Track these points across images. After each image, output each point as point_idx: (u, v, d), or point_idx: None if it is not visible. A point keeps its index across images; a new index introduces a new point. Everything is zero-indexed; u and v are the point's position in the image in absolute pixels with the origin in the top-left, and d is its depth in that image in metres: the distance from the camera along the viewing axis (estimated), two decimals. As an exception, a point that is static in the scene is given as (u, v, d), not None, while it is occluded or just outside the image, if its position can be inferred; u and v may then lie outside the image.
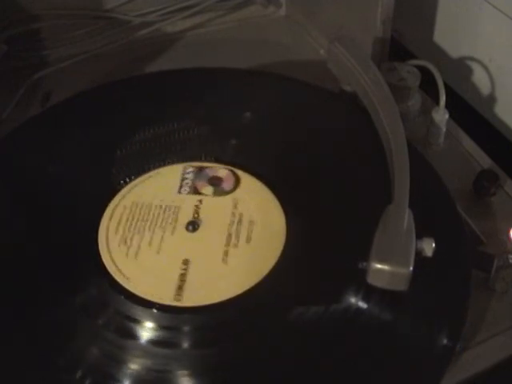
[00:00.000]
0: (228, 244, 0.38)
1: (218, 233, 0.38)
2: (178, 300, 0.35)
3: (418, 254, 0.34)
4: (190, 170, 0.41)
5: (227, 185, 0.41)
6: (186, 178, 0.41)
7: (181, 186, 0.41)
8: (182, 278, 0.36)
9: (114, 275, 0.36)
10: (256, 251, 0.37)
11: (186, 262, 0.37)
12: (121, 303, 0.35)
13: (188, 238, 0.38)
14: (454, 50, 0.56)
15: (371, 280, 0.33)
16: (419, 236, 0.34)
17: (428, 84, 0.48)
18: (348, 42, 0.47)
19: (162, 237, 0.38)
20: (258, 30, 0.61)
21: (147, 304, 0.35)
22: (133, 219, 0.39)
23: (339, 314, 0.34)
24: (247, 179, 0.41)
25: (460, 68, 0.55)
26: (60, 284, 0.36)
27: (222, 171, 0.41)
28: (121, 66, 0.56)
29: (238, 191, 0.41)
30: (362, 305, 0.35)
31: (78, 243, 0.38)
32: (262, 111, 0.46)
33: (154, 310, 0.34)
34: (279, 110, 0.46)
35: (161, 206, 0.40)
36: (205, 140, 0.44)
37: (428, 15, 0.58)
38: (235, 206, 0.40)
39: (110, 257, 0.37)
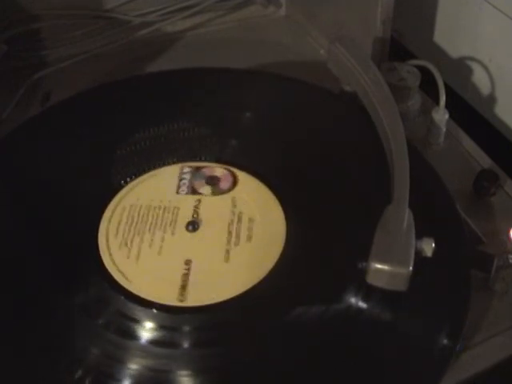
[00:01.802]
0: (229, 243, 0.38)
1: (219, 232, 0.38)
2: (182, 301, 0.35)
3: (418, 254, 0.34)
4: (187, 170, 0.41)
5: (225, 184, 0.41)
6: (184, 179, 0.41)
7: (179, 187, 0.41)
8: (185, 278, 0.36)
9: (114, 276, 0.36)
10: (257, 249, 0.37)
11: (187, 263, 0.37)
12: (121, 303, 0.35)
13: (189, 238, 0.38)
14: (454, 50, 0.56)
15: (371, 280, 0.33)
16: (419, 236, 0.34)
17: (428, 84, 0.48)
18: (348, 42, 0.47)
19: (163, 238, 0.38)
20: (257, 30, 0.61)
21: (147, 304, 0.35)
22: (132, 221, 0.39)
23: (339, 314, 0.34)
24: (245, 178, 0.41)
25: (460, 68, 0.55)
26: (60, 284, 0.36)
27: (219, 170, 0.41)
28: (121, 66, 0.56)
29: (237, 190, 0.41)
30: (362, 305, 0.35)
31: (78, 243, 0.38)
32: (262, 111, 0.46)
33: (154, 310, 0.34)
34: (279, 109, 0.46)
35: (160, 207, 0.39)
36: (204, 140, 0.44)
37: (428, 15, 0.58)
38: (234, 205, 0.40)
39: (111, 258, 0.37)
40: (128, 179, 0.41)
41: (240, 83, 0.49)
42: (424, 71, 0.48)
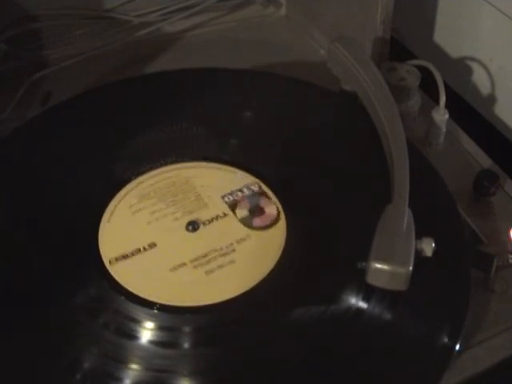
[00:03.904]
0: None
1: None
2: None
3: (418, 253, 0.34)
4: (255, 188, 0.41)
5: (260, 222, 0.39)
6: (243, 192, 0.40)
7: (229, 193, 0.40)
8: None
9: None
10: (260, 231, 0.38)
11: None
12: (121, 303, 0.35)
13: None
14: (454, 50, 0.56)
15: (371, 280, 0.33)
16: (419, 236, 0.34)
17: (428, 84, 0.48)
18: (348, 42, 0.47)
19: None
20: (257, 30, 0.61)
21: (147, 304, 0.35)
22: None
23: (339, 314, 0.34)
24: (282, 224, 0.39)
25: (460, 68, 0.55)
26: (60, 284, 0.36)
27: (271, 207, 0.40)
28: (121, 65, 0.56)
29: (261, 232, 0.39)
30: (362, 305, 0.35)
31: (78, 243, 0.38)
32: (262, 111, 0.46)
33: (155, 310, 0.34)
34: (279, 109, 0.46)
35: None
36: (204, 140, 0.44)
37: (428, 15, 0.58)
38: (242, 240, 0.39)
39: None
40: (131, 177, 0.41)
41: (240, 83, 0.49)
42: (424, 71, 0.48)
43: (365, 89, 0.44)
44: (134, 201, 0.40)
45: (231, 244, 0.38)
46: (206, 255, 0.37)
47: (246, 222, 0.39)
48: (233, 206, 0.40)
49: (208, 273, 0.36)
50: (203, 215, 0.39)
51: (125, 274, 0.36)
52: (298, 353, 0.33)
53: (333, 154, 0.43)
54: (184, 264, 0.37)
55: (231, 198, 0.40)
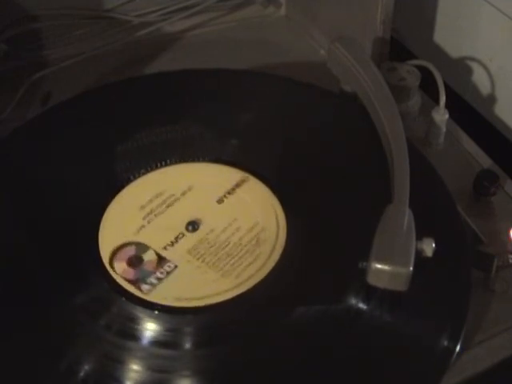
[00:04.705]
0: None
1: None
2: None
3: (418, 254, 0.34)
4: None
5: None
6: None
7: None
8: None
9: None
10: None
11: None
12: (122, 304, 0.35)
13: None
14: (454, 50, 0.56)
15: (371, 280, 0.33)
16: (419, 236, 0.34)
17: (428, 84, 0.48)
18: (348, 42, 0.47)
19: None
20: (257, 30, 0.61)
21: (148, 305, 0.35)
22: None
23: (339, 315, 0.34)
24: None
25: (460, 68, 0.55)
26: (61, 285, 0.36)
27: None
28: (121, 66, 0.56)
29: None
30: (362, 305, 0.35)
31: (79, 243, 0.38)
32: (262, 111, 0.46)
33: (156, 312, 0.34)
34: (279, 110, 0.46)
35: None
36: (204, 140, 0.44)
37: (428, 15, 0.58)
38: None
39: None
40: (131, 177, 0.41)
41: (240, 83, 0.49)
42: (424, 71, 0.48)
43: (365, 89, 0.44)
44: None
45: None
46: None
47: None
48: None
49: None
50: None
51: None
52: (298, 353, 0.33)
53: (333, 154, 0.43)
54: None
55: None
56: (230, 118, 0.46)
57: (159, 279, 0.36)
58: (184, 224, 0.39)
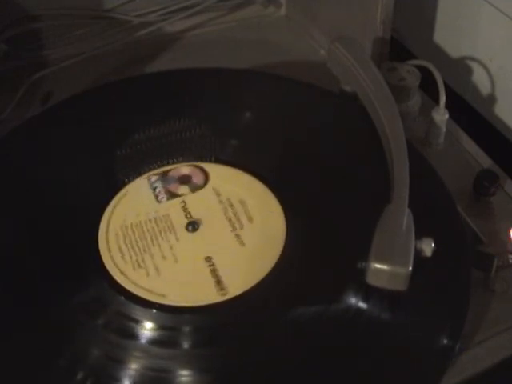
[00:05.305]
0: (234, 228, 0.38)
1: (220, 222, 0.39)
2: (225, 294, 0.35)
3: (418, 254, 0.34)
4: (155, 178, 0.41)
5: (198, 179, 0.41)
6: (157, 187, 0.41)
7: (156, 196, 0.40)
8: (215, 273, 0.36)
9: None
10: (261, 227, 0.38)
11: (208, 259, 0.37)
12: (121, 304, 0.35)
13: (195, 238, 0.38)
14: (454, 50, 0.56)
15: (370, 280, 0.33)
16: (419, 236, 0.34)
17: (428, 84, 0.48)
18: (348, 42, 0.47)
19: (171, 246, 0.38)
20: (257, 30, 0.61)
21: (147, 304, 0.35)
22: (131, 241, 0.38)
23: (339, 314, 0.34)
24: (214, 168, 0.42)
25: (460, 68, 0.55)
26: (60, 284, 0.36)
27: (185, 169, 0.42)
28: (121, 66, 0.56)
29: (213, 181, 0.41)
30: (362, 305, 0.35)
31: (79, 243, 0.38)
32: (262, 111, 0.46)
33: (154, 311, 0.34)
34: (279, 110, 0.46)
35: (150, 220, 0.39)
36: (205, 140, 0.44)
37: (428, 15, 0.58)
38: (218, 194, 0.40)
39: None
40: (130, 178, 0.41)
41: (240, 83, 0.49)
42: (424, 71, 0.48)
43: (365, 89, 0.44)
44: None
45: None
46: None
47: (196, 188, 0.41)
48: (173, 195, 0.40)
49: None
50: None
51: (158, 293, 0.36)
52: (298, 353, 0.33)
53: (333, 154, 0.43)
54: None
55: (163, 195, 0.40)
56: (229, 117, 0.46)
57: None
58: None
